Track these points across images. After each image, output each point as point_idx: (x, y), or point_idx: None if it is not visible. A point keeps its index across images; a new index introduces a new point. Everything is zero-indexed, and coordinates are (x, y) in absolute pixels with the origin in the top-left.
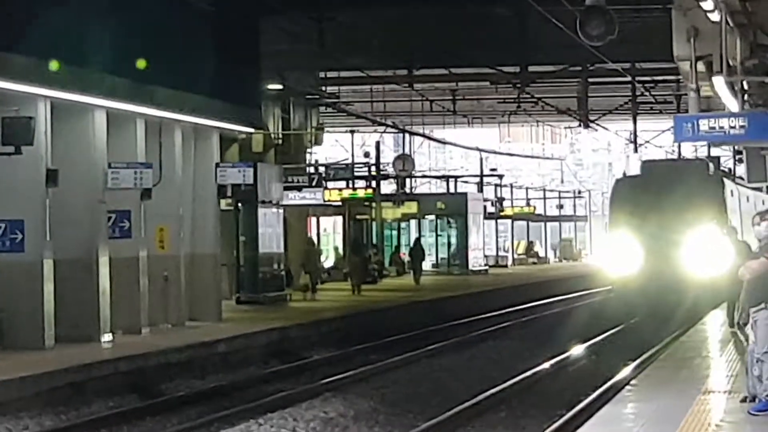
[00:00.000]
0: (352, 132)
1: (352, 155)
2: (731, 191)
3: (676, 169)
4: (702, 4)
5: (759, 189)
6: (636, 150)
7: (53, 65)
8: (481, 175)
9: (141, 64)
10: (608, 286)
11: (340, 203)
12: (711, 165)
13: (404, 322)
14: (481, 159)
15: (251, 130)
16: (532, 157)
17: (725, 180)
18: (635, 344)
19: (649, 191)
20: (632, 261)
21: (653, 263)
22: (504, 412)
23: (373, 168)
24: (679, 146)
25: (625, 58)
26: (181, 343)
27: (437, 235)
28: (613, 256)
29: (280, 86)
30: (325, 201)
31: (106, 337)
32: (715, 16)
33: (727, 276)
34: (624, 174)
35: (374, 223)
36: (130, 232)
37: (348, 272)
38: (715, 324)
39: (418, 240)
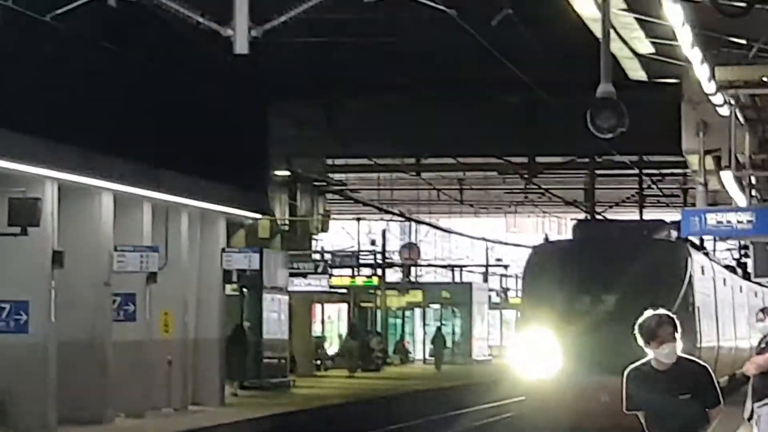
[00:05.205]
0: (359, 219)
1: (358, 243)
2: (701, 268)
3: (623, 232)
4: (712, 98)
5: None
6: None
7: None
8: (487, 265)
9: None
10: (520, 397)
11: (345, 290)
12: (673, 231)
13: (406, 410)
14: (487, 249)
15: (258, 216)
16: None
17: (693, 251)
18: None
19: (582, 263)
20: (552, 359)
21: (583, 365)
22: None
23: (378, 256)
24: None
25: (633, 150)
26: (184, 427)
27: (441, 324)
28: (527, 352)
29: (287, 172)
30: (330, 288)
31: (110, 420)
32: (724, 111)
33: None
34: (546, 239)
35: (378, 311)
36: (135, 315)
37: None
38: None
39: (439, 329)
